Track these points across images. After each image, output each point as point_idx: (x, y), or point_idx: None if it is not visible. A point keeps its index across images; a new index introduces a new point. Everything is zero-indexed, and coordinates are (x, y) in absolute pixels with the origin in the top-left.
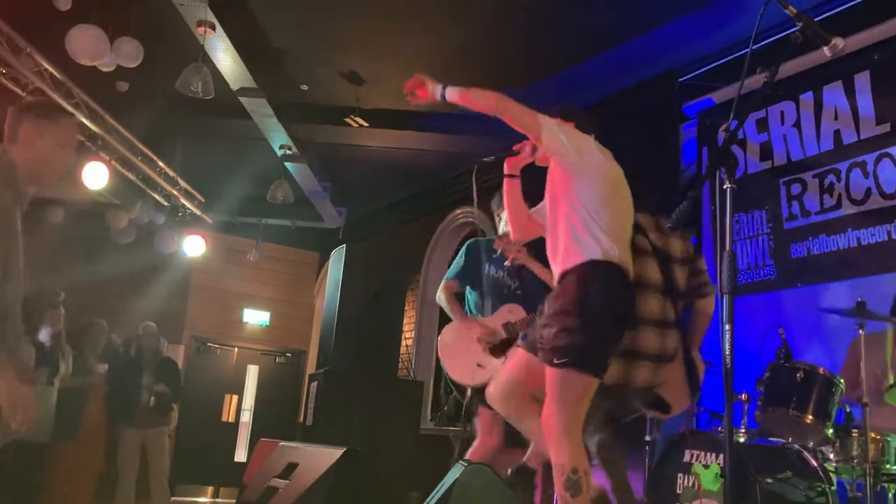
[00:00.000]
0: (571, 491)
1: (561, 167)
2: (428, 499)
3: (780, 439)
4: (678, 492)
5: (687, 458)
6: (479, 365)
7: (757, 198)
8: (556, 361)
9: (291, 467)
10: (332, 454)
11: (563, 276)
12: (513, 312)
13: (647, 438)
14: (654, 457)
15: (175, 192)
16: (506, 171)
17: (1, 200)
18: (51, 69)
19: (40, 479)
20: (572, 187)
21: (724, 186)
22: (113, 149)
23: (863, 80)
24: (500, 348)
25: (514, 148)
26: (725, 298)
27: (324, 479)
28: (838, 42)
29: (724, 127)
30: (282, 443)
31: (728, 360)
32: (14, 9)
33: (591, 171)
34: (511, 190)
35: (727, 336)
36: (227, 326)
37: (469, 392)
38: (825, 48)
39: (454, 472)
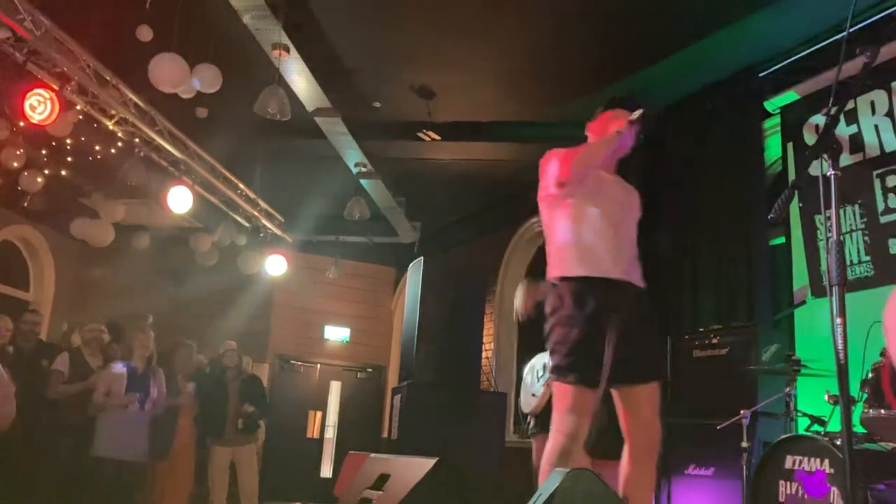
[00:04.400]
0: None
1: None
2: (531, 501)
3: (890, 443)
4: (780, 500)
5: (789, 464)
6: (532, 394)
7: (849, 192)
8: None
9: (384, 478)
10: (425, 464)
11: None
12: None
13: (744, 445)
14: (751, 464)
15: (256, 213)
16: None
17: None
18: (135, 98)
19: (136, 498)
20: None
21: (828, 173)
22: (195, 173)
23: None
24: (540, 377)
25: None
26: (835, 290)
27: (418, 489)
28: None
29: (824, 111)
30: (372, 455)
31: (842, 355)
32: (99, 42)
33: None
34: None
35: (839, 330)
36: (309, 344)
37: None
38: None
39: (554, 478)
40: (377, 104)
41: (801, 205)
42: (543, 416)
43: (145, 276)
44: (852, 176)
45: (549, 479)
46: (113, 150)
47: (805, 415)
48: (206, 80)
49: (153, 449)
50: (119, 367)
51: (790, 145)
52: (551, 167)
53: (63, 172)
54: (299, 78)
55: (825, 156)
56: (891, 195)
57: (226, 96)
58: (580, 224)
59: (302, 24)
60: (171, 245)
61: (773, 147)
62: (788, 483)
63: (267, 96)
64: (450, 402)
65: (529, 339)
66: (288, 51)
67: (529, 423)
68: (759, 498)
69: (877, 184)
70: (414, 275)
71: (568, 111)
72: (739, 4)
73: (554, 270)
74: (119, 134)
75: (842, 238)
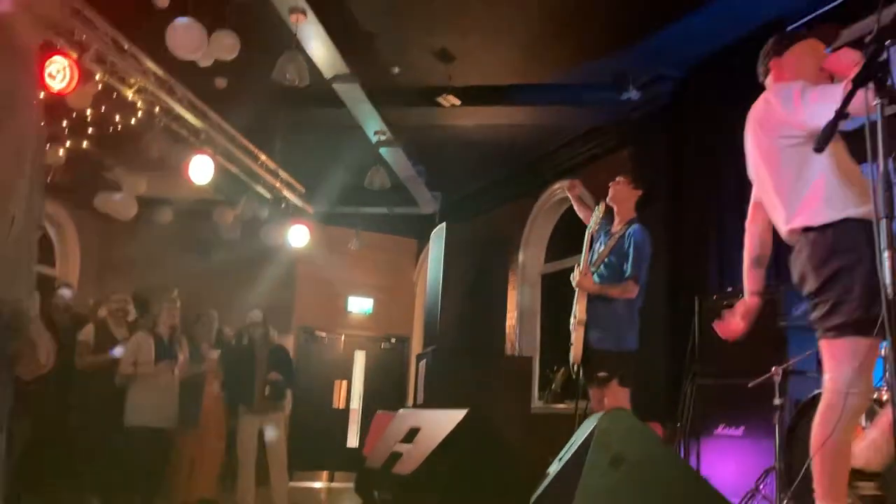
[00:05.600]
0: None
1: None
2: (565, 447)
3: None
4: None
5: None
6: (572, 343)
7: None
8: None
9: (414, 432)
10: (455, 416)
11: None
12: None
13: (777, 402)
14: (783, 421)
15: (277, 185)
16: None
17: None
18: (154, 67)
19: (167, 464)
20: None
21: (874, 102)
22: (216, 143)
23: None
24: (574, 325)
25: None
26: (883, 224)
27: (448, 442)
28: None
29: (867, 38)
30: (402, 410)
31: (890, 290)
32: (115, 10)
33: None
34: None
35: (888, 263)
36: (333, 315)
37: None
38: None
39: (591, 420)
40: (396, 70)
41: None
42: (584, 364)
43: (169, 249)
44: (890, 127)
45: (586, 421)
46: (133, 121)
47: None
48: (223, 46)
49: (182, 416)
50: (144, 337)
51: None
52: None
53: (84, 145)
54: (317, 43)
55: (870, 84)
56: None
57: (244, 65)
58: (844, 161)
59: None
60: (195, 218)
61: None
62: None
63: (285, 62)
64: (474, 366)
65: (552, 304)
66: (305, 14)
67: (578, 372)
68: (794, 454)
69: None
70: (436, 241)
71: (590, 72)
72: None
73: (825, 212)
74: (139, 104)
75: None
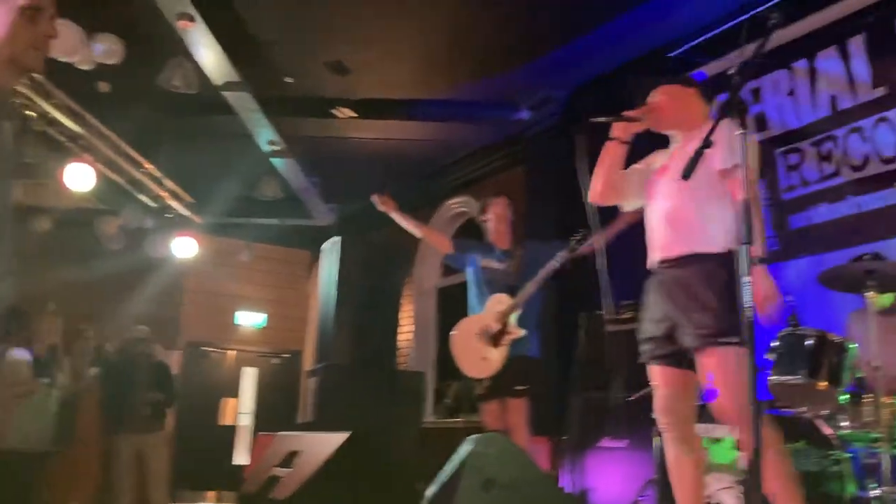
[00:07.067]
0: None
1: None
2: (441, 472)
3: (794, 409)
4: None
5: (697, 431)
6: (483, 358)
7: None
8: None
9: (293, 455)
10: (336, 439)
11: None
12: (501, 302)
13: (654, 416)
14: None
15: (162, 193)
16: (616, 134)
17: None
18: None
19: (38, 488)
20: None
21: (736, 133)
22: (97, 150)
23: (857, 44)
24: (495, 339)
25: (628, 114)
26: (744, 249)
27: (331, 465)
28: None
29: (732, 71)
30: (280, 433)
31: (749, 312)
32: None
33: None
34: (615, 154)
35: (747, 288)
36: (221, 329)
37: (484, 384)
38: None
39: (466, 445)
40: (289, 80)
41: None
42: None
43: (47, 260)
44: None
45: (461, 446)
46: None
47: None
48: (106, 50)
49: (56, 436)
50: (20, 353)
51: None
52: None
53: None
54: (207, 51)
55: (733, 114)
56: (793, 172)
57: (129, 70)
58: None
59: None
60: (75, 228)
61: None
62: None
63: (171, 68)
64: (365, 382)
65: (447, 318)
66: (193, 20)
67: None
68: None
69: (780, 161)
70: (328, 255)
71: (485, 90)
72: None
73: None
74: None
75: (747, 199)
